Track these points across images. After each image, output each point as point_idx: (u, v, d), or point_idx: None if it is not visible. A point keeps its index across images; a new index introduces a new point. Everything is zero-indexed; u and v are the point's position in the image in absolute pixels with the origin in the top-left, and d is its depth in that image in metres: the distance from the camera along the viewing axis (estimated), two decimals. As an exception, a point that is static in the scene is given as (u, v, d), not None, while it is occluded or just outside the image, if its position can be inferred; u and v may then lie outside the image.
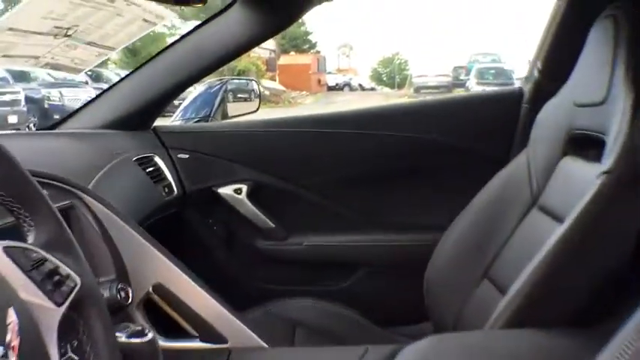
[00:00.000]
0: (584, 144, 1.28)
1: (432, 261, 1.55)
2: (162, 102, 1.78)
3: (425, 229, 1.79)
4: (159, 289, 1.17)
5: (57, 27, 1.32)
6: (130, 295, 1.09)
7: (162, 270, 1.17)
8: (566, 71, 1.39)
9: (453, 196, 1.61)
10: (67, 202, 1.11)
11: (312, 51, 36.70)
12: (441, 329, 1.51)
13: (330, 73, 35.65)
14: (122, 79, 1.81)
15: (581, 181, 1.18)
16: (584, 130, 1.27)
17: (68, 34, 1.35)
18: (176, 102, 2.03)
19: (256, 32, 1.70)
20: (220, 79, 2.24)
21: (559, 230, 1.09)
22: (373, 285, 1.89)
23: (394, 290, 1.85)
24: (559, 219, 1.22)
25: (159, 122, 1.90)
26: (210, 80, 2.24)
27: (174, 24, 21.34)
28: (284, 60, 30.70)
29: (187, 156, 1.85)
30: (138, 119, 1.77)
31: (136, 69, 1.79)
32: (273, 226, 1.90)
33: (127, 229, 1.16)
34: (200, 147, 1.87)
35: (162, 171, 1.74)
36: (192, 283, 1.18)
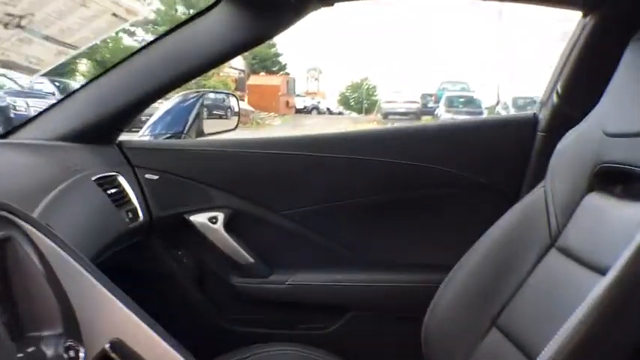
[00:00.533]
0: (615, 179, 1.15)
1: (432, 306, 1.42)
2: (130, 113, 1.62)
3: (424, 269, 1.69)
4: (118, 346, 0.95)
5: (8, 14, 1.10)
6: (82, 354, 0.89)
7: (123, 322, 0.97)
8: (591, 96, 1.27)
9: (457, 233, 1.51)
10: (1, 232, 0.89)
11: (281, 73, 37.25)
12: (441, 383, 1.38)
13: (298, 95, 36.29)
14: (85, 85, 1.63)
15: (615, 222, 1.07)
16: (616, 163, 1.14)
17: (21, 24, 1.13)
18: (143, 117, 1.88)
19: (243, 37, 1.55)
20: (197, 92, 2.06)
21: (600, 285, 0.94)
22: (364, 330, 1.75)
23: (387, 337, 1.73)
24: (586, 264, 1.11)
25: (124, 137, 1.73)
26: (184, 92, 2.07)
27: (146, 39, 21.33)
28: (254, 80, 31.04)
29: (156, 177, 1.70)
30: (101, 132, 1.61)
31: (102, 74, 1.62)
32: (253, 261, 1.75)
33: (79, 269, 0.96)
34: (171, 167, 1.72)
35: (127, 193, 1.58)
36: (159, 338, 0.98)
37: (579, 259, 1.15)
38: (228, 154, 1.76)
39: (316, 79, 45.35)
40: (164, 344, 0.99)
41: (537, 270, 1.27)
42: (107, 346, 0.94)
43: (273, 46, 38.23)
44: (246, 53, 35.59)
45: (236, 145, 1.78)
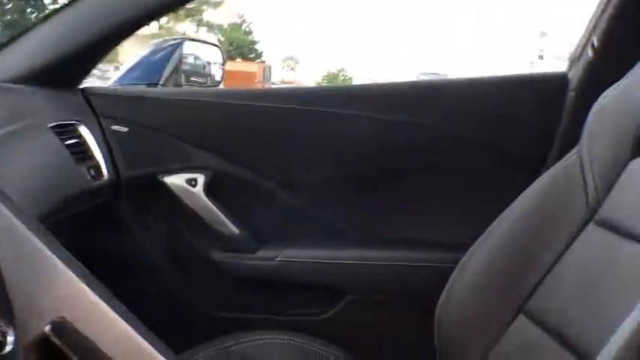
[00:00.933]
0: None
1: (446, 289, 1.30)
2: (96, 52, 1.45)
3: (437, 247, 1.57)
4: (62, 327, 0.76)
5: None
6: (10, 338, 0.69)
7: (74, 297, 0.79)
8: (634, 49, 1.19)
9: (476, 206, 1.40)
10: None
11: (258, 60, 38.05)
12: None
13: (274, 84, 37.09)
14: (45, 18, 1.44)
15: None
16: None
17: None
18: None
19: None
20: (175, 39, 1.95)
21: None
22: (366, 317, 1.62)
23: (393, 325, 1.61)
24: (634, 237, 1.01)
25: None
26: (161, 39, 1.94)
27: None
28: (230, 66, 31.39)
29: (125, 129, 1.53)
30: (60, 74, 1.42)
31: (61, 8, 1.43)
32: (238, 232, 1.61)
33: (17, 227, 0.79)
34: (143, 118, 1.56)
35: (89, 146, 1.42)
36: (120, 319, 0.81)
37: (627, 233, 1.04)
38: (211, 105, 1.61)
39: (292, 69, 46.38)
40: (126, 327, 0.81)
41: (573, 246, 1.16)
42: (47, 328, 0.73)
43: (250, 33, 39.26)
44: (222, 39, 36.17)
45: (221, 96, 1.65)
